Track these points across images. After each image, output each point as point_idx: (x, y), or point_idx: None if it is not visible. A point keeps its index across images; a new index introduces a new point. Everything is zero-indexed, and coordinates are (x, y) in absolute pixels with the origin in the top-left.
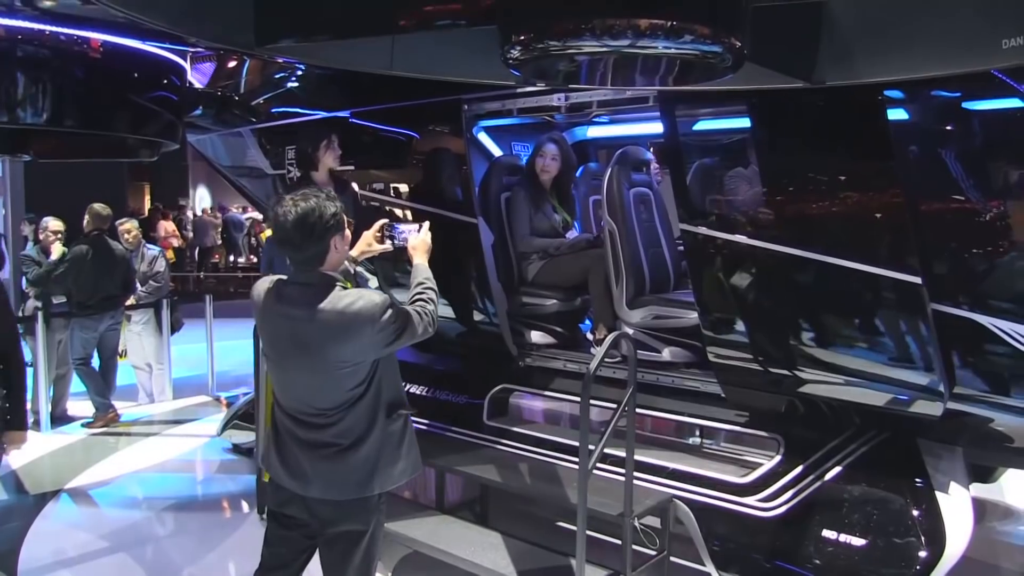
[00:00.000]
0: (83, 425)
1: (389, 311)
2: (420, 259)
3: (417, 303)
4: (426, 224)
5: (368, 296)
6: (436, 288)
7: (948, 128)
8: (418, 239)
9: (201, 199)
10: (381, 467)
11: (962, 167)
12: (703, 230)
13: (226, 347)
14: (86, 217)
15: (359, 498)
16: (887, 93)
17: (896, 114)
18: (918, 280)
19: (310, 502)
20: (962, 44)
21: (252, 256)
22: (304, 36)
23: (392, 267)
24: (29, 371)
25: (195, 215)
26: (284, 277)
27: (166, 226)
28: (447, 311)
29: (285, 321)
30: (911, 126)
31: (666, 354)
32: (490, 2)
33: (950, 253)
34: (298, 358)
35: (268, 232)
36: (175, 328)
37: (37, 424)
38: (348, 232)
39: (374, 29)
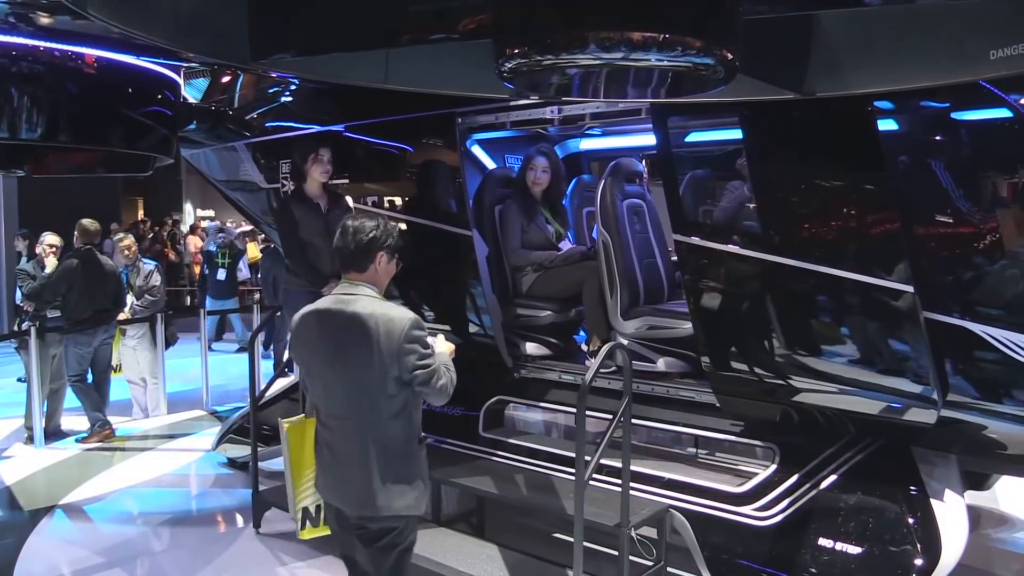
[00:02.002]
0: (77, 440)
1: (421, 331)
2: (440, 348)
3: (442, 367)
4: (441, 336)
5: (405, 311)
6: (455, 375)
7: (937, 138)
8: (442, 344)
9: (187, 215)
10: (406, 489)
11: (952, 176)
12: (696, 241)
13: (221, 361)
14: (76, 232)
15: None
16: (877, 104)
17: (886, 124)
18: (910, 289)
19: (346, 515)
20: (950, 55)
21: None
22: (298, 50)
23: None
24: (23, 386)
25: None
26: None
27: (195, 241)
28: (442, 323)
29: (328, 329)
30: (901, 136)
31: (661, 364)
32: (484, 16)
33: (942, 262)
34: (338, 364)
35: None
36: (170, 343)
37: (31, 439)
38: (394, 263)
39: (368, 43)
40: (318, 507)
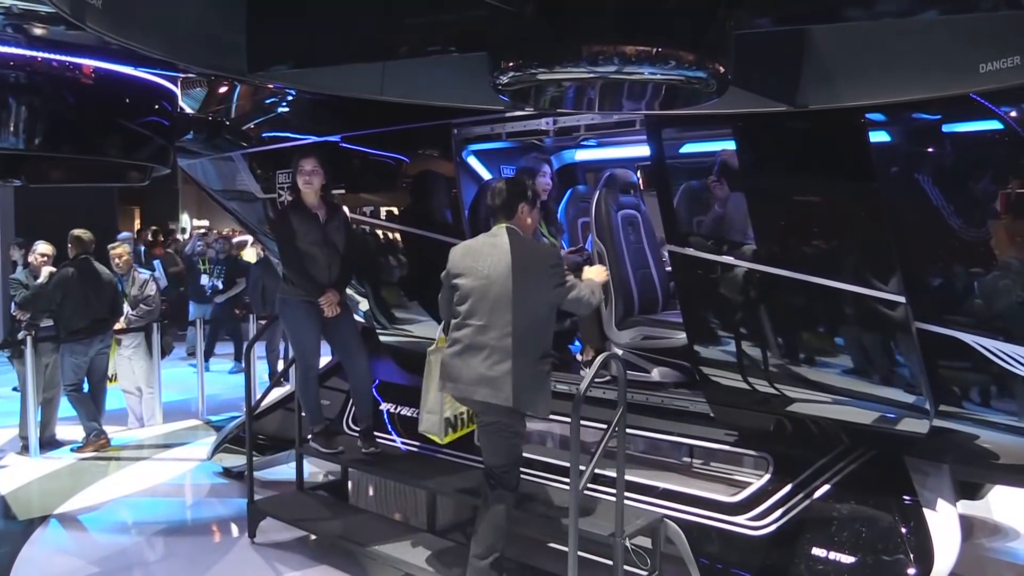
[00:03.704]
0: (72, 450)
1: (559, 261)
2: (589, 275)
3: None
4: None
5: (547, 247)
6: (595, 299)
7: (929, 150)
8: (593, 271)
9: (183, 224)
10: (530, 392)
11: (943, 188)
12: (690, 251)
13: (216, 370)
14: (69, 243)
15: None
16: (868, 116)
17: (877, 136)
18: (902, 299)
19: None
20: (941, 68)
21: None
22: (295, 62)
23: (385, 289)
24: (18, 395)
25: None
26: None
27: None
28: (437, 332)
29: (492, 248)
30: (892, 148)
31: (655, 374)
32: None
33: (933, 272)
34: (491, 279)
35: (248, 254)
36: (165, 352)
37: (26, 449)
38: (536, 211)
39: (365, 55)
40: (456, 415)
